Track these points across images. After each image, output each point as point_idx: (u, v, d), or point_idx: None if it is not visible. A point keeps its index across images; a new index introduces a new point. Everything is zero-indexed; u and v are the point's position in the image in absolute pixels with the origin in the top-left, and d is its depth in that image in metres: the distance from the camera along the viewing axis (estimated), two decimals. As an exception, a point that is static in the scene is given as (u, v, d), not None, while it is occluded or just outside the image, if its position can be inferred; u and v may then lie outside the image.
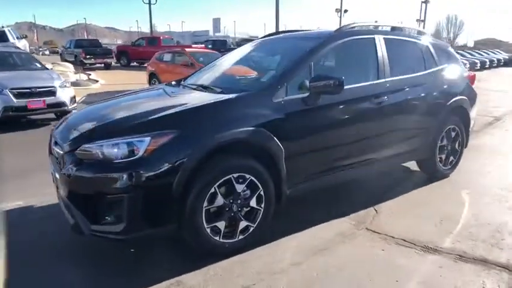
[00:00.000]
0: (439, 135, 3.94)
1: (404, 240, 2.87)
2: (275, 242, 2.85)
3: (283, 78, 2.85)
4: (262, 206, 2.72)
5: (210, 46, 24.63)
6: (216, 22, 59.87)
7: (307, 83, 2.86)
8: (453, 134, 4.13)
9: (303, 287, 2.34)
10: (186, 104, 2.65)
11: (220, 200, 2.52)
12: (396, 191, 3.84)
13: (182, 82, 3.69)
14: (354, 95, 3.09)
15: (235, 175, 2.55)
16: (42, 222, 3.22)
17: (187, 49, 13.04)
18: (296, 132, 2.81)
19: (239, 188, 2.59)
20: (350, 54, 3.39)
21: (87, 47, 21.37)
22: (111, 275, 2.48)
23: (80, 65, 18.68)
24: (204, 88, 3.19)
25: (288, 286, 2.34)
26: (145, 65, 23.99)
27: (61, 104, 7.31)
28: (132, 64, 24.42)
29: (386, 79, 3.40)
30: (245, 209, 2.66)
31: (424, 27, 39.77)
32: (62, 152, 2.50)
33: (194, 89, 3.25)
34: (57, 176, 2.59)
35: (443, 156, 4.11)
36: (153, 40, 23.44)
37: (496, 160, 4.96)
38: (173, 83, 3.83)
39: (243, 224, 2.66)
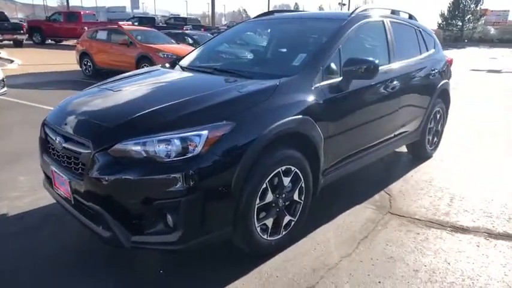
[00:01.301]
0: (429, 117, 4.12)
1: (432, 222, 2.96)
2: (310, 235, 2.72)
3: (318, 62, 2.67)
4: (303, 198, 2.57)
5: (136, 23, 23.05)
6: (135, -2, 56.18)
7: (339, 67, 2.73)
8: (438, 115, 4.36)
9: (366, 277, 2.27)
10: (226, 90, 2.34)
11: (270, 196, 2.31)
12: (394, 174, 3.94)
13: (182, 64, 3.30)
14: (377, 78, 3.04)
15: (283, 168, 2.35)
16: (29, 236, 2.67)
17: (125, 27, 11.95)
18: (332, 118, 2.68)
19: (286, 181, 2.40)
20: (365, 37, 3.32)
21: (-9, 21, 18.49)
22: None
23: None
24: (220, 71, 2.87)
25: (351, 280, 2.25)
26: (65, 43, 21.78)
27: (-11, 88, 6.22)
28: (47, 42, 21.86)
29: (397, 63, 3.42)
30: (287, 203, 2.49)
31: (349, 9, 41.79)
32: (85, 151, 2.05)
33: (209, 72, 2.91)
34: (73, 179, 2.13)
35: (430, 137, 4.32)
36: (72, 15, 21.14)
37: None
38: (167, 65, 3.42)
39: (286, 219, 2.49)
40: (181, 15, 39.66)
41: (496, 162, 4.34)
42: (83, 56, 11.36)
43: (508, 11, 54.92)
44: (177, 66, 3.30)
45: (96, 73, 11.07)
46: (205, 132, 1.96)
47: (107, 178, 1.95)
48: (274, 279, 2.25)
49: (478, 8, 52.23)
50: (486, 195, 3.45)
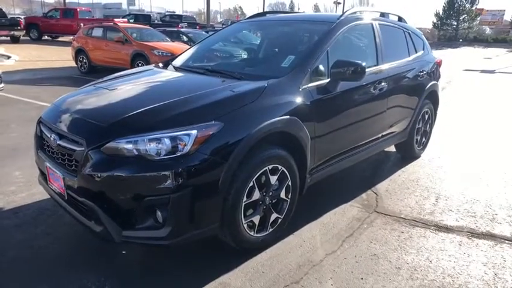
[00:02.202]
0: (417, 117, 4.20)
1: (416, 221, 3.04)
2: (296, 233, 2.80)
3: (306, 64, 2.74)
4: (289, 196, 2.65)
5: (132, 21, 23.03)
6: (130, -6, 55.98)
7: (326, 69, 2.81)
8: (426, 116, 4.45)
9: (349, 274, 2.34)
10: (215, 90, 2.41)
11: (257, 194, 2.38)
12: (382, 174, 4.03)
13: (175, 64, 3.36)
14: (364, 80, 3.11)
15: (270, 167, 2.42)
16: (23, 229, 2.74)
17: (120, 24, 11.96)
18: (319, 119, 2.75)
19: (273, 179, 2.47)
20: (354, 39, 3.39)
21: (-12, 17, 18.39)
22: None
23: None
24: (211, 72, 2.93)
25: (335, 276, 2.33)
26: (61, 39, 21.71)
27: (-14, 85, 6.25)
28: (43, 38, 21.79)
29: (385, 64, 3.49)
30: (273, 201, 2.56)
31: (343, 9, 41.87)
32: (79, 149, 2.11)
33: (201, 73, 2.97)
34: (67, 175, 2.20)
35: (419, 138, 4.41)
36: (68, 12, 21.06)
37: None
38: (160, 65, 3.48)
39: (273, 216, 2.56)
40: (177, 13, 39.62)
41: (484, 163, 4.43)
42: (79, 52, 11.38)
43: (504, 10, 55.30)
44: (170, 66, 3.36)
45: (91, 70, 11.10)
46: (194, 132, 2.03)
47: (99, 175, 2.01)
48: (260, 274, 2.32)
49: (473, 8, 52.48)
50: (471, 195, 3.54)
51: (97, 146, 2.05)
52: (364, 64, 2.76)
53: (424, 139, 4.53)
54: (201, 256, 2.48)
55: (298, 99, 2.58)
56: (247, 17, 4.18)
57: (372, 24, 3.51)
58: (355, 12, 3.41)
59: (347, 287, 2.24)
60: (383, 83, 3.39)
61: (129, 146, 2.01)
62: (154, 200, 2.01)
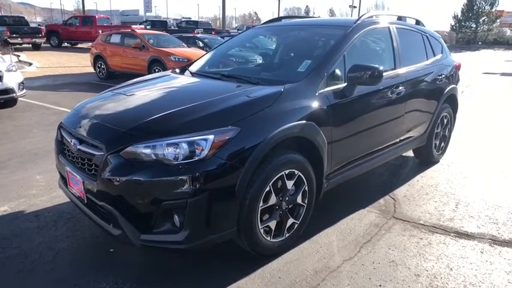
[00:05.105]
0: (436, 122, 4.13)
1: (435, 227, 2.98)
2: (313, 238, 2.78)
3: (323, 68, 2.73)
4: (306, 201, 2.63)
5: (148, 27, 23.39)
6: (147, 1, 56.96)
7: (343, 73, 2.80)
8: (445, 120, 4.37)
9: (367, 281, 2.31)
10: (232, 96, 2.42)
11: (273, 199, 2.37)
12: (400, 179, 3.97)
13: (191, 70, 3.40)
14: (381, 84, 3.08)
15: (287, 171, 2.41)
16: (44, 232, 2.80)
17: (138, 30, 12.18)
18: (336, 124, 2.73)
19: (289, 184, 2.46)
20: (371, 44, 3.37)
21: (12, 25, 18.99)
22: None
23: (4, 45, 16.59)
24: (228, 77, 2.95)
25: (352, 282, 2.30)
26: (80, 46, 22.29)
27: (9, 91, 6.48)
28: (63, 45, 22.37)
29: (403, 68, 3.46)
30: (290, 206, 2.55)
31: (359, 13, 41.61)
32: (98, 153, 2.15)
33: (217, 78, 2.99)
34: (86, 179, 2.24)
35: (438, 142, 4.33)
36: (87, 19, 21.58)
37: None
38: (177, 70, 3.53)
39: (290, 221, 2.55)
40: (193, 19, 40.10)
41: (504, 169, 4.32)
42: (97, 59, 11.62)
43: (525, 12, 53.93)
44: (187, 72, 3.40)
45: (109, 76, 11.32)
46: (211, 137, 2.04)
47: (118, 179, 2.05)
48: (276, 279, 2.31)
49: (493, 10, 51.43)
50: (493, 201, 3.45)
51: (116, 151, 2.09)
52: (381, 68, 2.74)
53: (443, 144, 4.45)
54: (217, 261, 2.49)
55: (315, 104, 2.57)
56: (262, 22, 4.19)
57: (389, 28, 3.48)
58: (371, 16, 3.38)
59: (365, 294, 2.21)
60: (400, 87, 3.35)
61: (148, 151, 2.04)
62: (172, 204, 2.02)
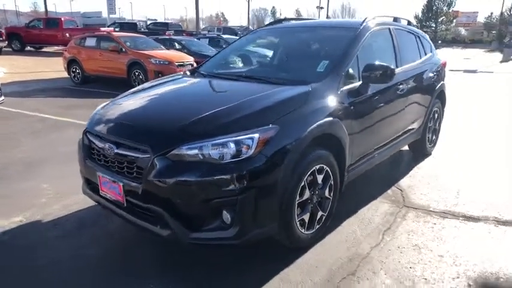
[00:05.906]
0: (429, 116, 4.41)
1: (445, 213, 3.22)
2: (338, 229, 2.93)
3: (340, 68, 2.89)
4: (331, 194, 2.78)
5: (117, 29, 22.81)
6: (111, 2, 55.22)
7: (357, 72, 2.97)
8: (436, 115, 4.67)
9: (397, 264, 2.49)
10: (266, 95, 2.52)
11: (307, 193, 2.50)
12: (400, 171, 4.21)
13: (203, 72, 3.45)
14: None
15: (317, 167, 2.55)
16: (70, 240, 2.78)
17: (114, 33, 11.92)
18: (354, 119, 2.90)
19: (319, 179, 2.60)
20: (376, 44, 3.56)
21: (-32, 28, 17.92)
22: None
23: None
24: (253, 79, 3.04)
25: (385, 266, 2.46)
26: (45, 49, 21.28)
27: (-12, 99, 6.18)
28: (26, 49, 21.35)
29: (403, 66, 3.69)
30: (319, 199, 2.69)
31: (326, 15, 42.61)
32: (143, 156, 2.18)
33: (235, 79, 3.08)
34: (127, 183, 2.26)
35: (430, 135, 4.62)
36: (52, 22, 20.71)
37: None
38: (188, 73, 3.57)
39: (319, 214, 2.69)
40: (159, 20, 39.48)
41: (489, 156, 4.68)
42: (71, 63, 11.26)
43: (477, 12, 57.51)
44: (200, 74, 3.43)
45: (85, 80, 11.01)
46: (256, 135, 2.14)
47: (166, 181, 2.10)
48: (314, 268, 2.44)
49: (450, 10, 54.25)
50: (489, 186, 3.76)
51: (163, 153, 2.13)
52: (392, 67, 2.93)
53: (434, 137, 4.75)
54: (254, 255, 2.58)
55: (338, 102, 2.72)
56: (265, 24, 4.30)
57: (389, 29, 3.71)
58: (374, 18, 3.58)
59: (399, 275, 2.38)
60: (403, 84, 3.58)
61: (195, 152, 2.10)
62: (221, 201, 2.10)
